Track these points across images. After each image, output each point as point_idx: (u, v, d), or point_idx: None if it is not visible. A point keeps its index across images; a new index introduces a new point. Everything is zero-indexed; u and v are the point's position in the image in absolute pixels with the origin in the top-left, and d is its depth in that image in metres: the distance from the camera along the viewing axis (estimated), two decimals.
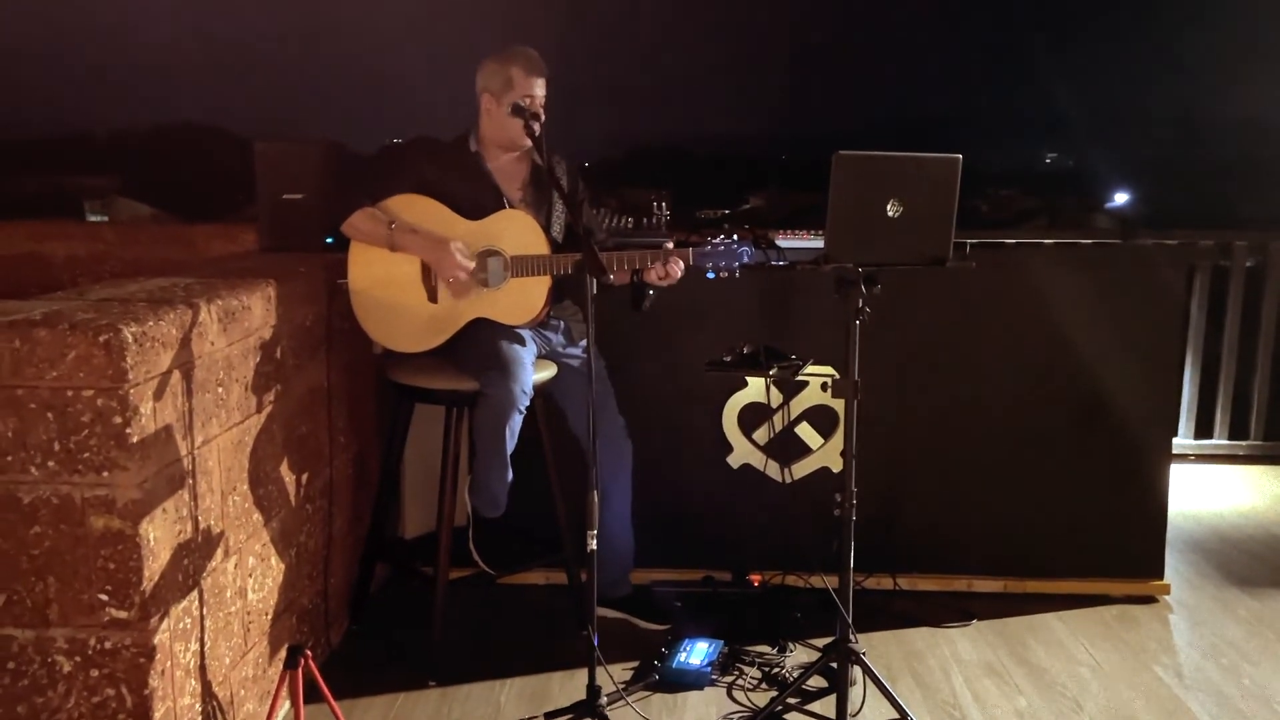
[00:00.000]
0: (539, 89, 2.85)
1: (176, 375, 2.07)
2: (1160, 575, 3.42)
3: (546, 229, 2.89)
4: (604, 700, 2.59)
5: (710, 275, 2.81)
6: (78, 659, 1.97)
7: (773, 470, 3.36)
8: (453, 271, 2.77)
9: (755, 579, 3.36)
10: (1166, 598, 3.41)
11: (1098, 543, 3.39)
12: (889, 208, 2.52)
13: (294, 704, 2.25)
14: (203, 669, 2.21)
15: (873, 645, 3.02)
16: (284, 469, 2.63)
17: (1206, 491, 4.50)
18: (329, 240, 3.10)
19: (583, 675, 2.58)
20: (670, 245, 2.80)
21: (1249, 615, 3.32)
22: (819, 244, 2.91)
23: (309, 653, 2.24)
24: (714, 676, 2.86)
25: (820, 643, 2.94)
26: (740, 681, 2.86)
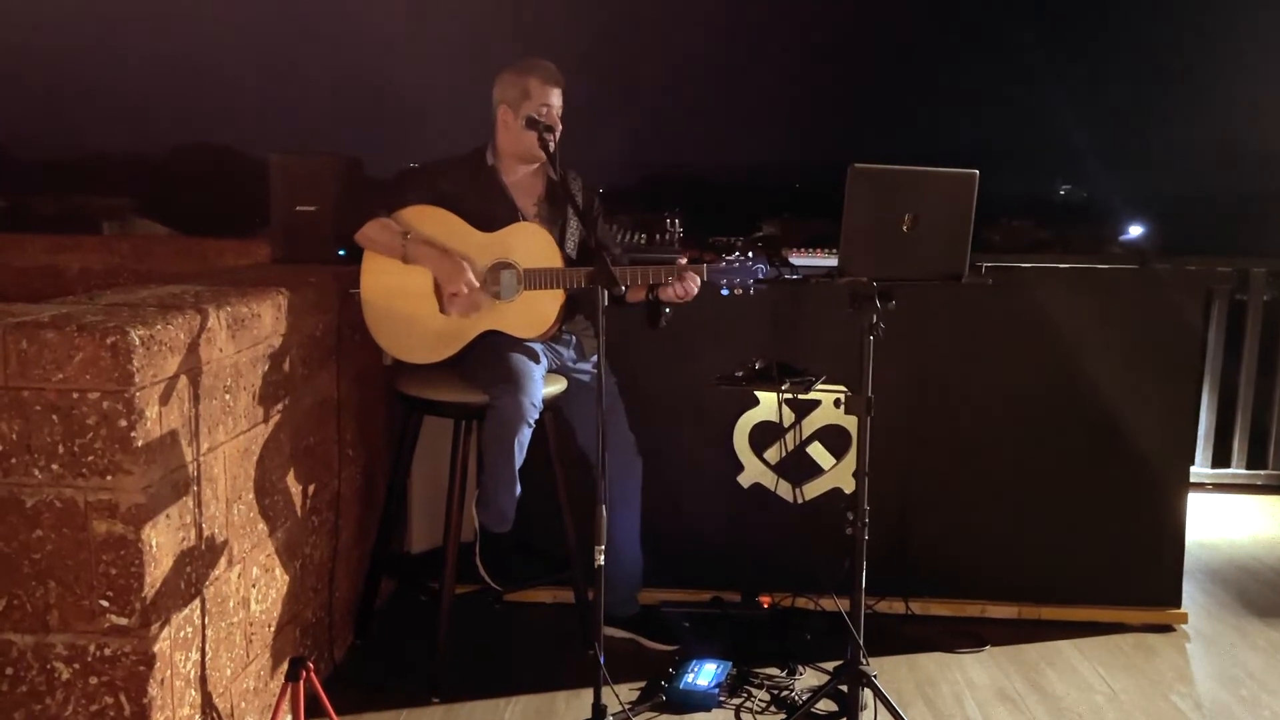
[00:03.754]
0: (555, 99, 2.85)
1: (183, 380, 2.05)
2: (1178, 604, 3.36)
3: (560, 243, 2.88)
4: None
5: (725, 292, 2.80)
6: (77, 666, 1.95)
7: (784, 490, 3.33)
8: (457, 285, 2.75)
9: (765, 600, 3.32)
10: (1184, 626, 3.35)
11: (1114, 570, 3.34)
12: (904, 222, 2.49)
13: (295, 718, 2.21)
14: (203, 679, 2.18)
15: (884, 669, 2.96)
16: (290, 479, 2.61)
17: (1224, 520, 4.43)
18: (342, 252, 3.10)
19: (588, 695, 2.54)
20: (685, 261, 2.79)
21: (1268, 645, 3.26)
22: (833, 263, 2.89)
23: (311, 665, 2.20)
24: (721, 698, 2.82)
25: (830, 666, 2.89)
26: (748, 704, 2.81)
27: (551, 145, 2.73)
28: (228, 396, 2.26)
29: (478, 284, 2.79)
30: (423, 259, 2.79)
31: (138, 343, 1.88)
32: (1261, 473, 4.89)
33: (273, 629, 2.55)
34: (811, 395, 3.22)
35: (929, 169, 2.54)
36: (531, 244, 2.83)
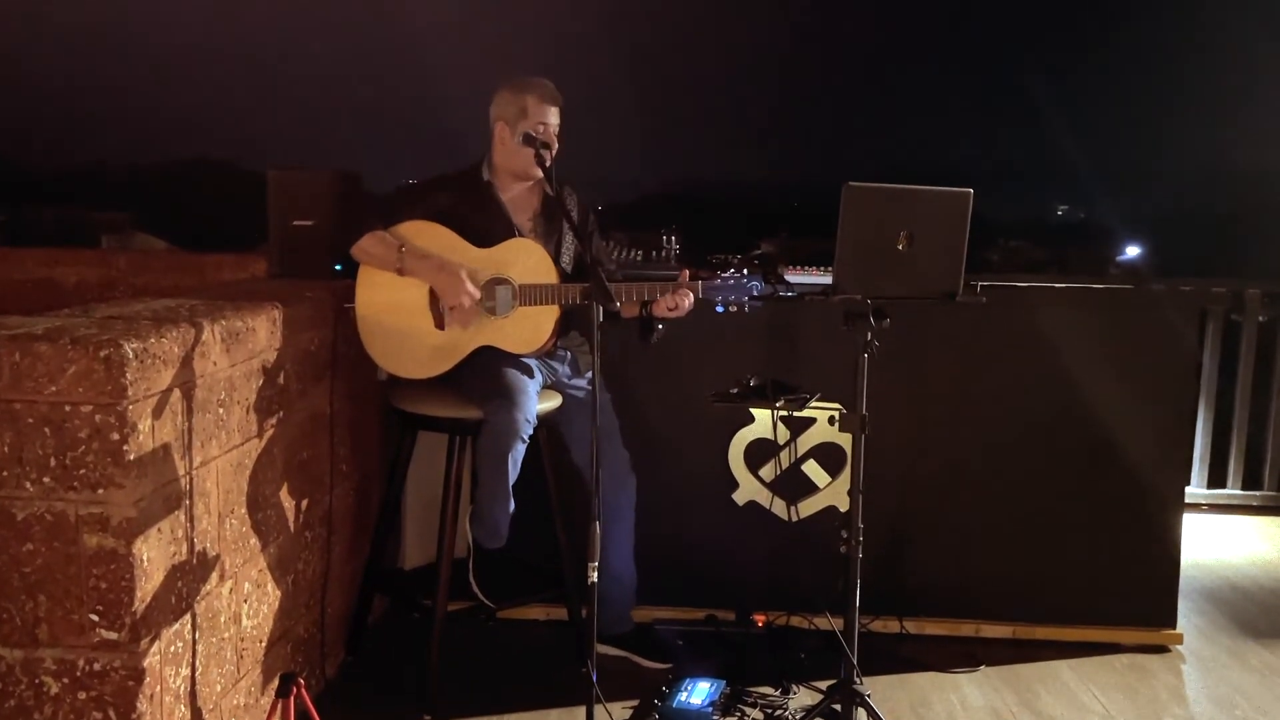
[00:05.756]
0: (552, 118, 2.87)
1: (177, 394, 2.05)
2: (1173, 624, 3.35)
3: (556, 259, 2.89)
4: None
5: (720, 309, 2.79)
6: (66, 680, 1.94)
7: (779, 508, 3.32)
8: (457, 297, 2.76)
9: (759, 619, 3.31)
10: (1179, 647, 3.34)
11: (1109, 590, 3.33)
12: (899, 241, 2.50)
13: None
14: (193, 695, 2.17)
15: (878, 689, 2.95)
16: (283, 494, 2.61)
17: (1219, 541, 4.43)
18: (338, 267, 3.10)
19: (581, 713, 2.52)
20: (685, 275, 2.79)
21: (1262, 666, 3.25)
22: (829, 281, 2.90)
23: (301, 681, 2.19)
24: (715, 717, 2.80)
25: (825, 685, 2.88)
26: None
27: (547, 161, 2.74)
28: (221, 410, 2.26)
29: (477, 293, 2.78)
30: (420, 272, 2.79)
31: (131, 356, 1.88)
32: (1257, 493, 4.89)
33: (264, 645, 2.53)
34: (806, 413, 3.21)
35: (924, 187, 2.55)
36: (527, 259, 2.83)
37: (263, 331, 2.45)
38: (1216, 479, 4.89)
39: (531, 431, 2.74)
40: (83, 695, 1.94)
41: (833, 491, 3.31)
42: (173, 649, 2.07)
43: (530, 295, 2.80)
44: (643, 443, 3.12)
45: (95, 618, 1.92)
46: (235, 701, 2.38)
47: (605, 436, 2.83)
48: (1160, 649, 3.33)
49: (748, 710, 2.85)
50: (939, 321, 3.22)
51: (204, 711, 2.21)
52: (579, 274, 2.93)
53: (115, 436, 1.88)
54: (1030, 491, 3.32)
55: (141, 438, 1.93)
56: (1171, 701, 3.01)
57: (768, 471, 3.32)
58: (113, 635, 1.93)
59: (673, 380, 3.26)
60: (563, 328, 2.92)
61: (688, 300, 2.78)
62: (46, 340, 1.86)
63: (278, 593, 2.60)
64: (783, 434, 3.27)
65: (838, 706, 2.64)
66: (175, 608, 2.08)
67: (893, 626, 3.33)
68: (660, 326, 2.80)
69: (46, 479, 1.88)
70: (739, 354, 3.22)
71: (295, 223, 3.18)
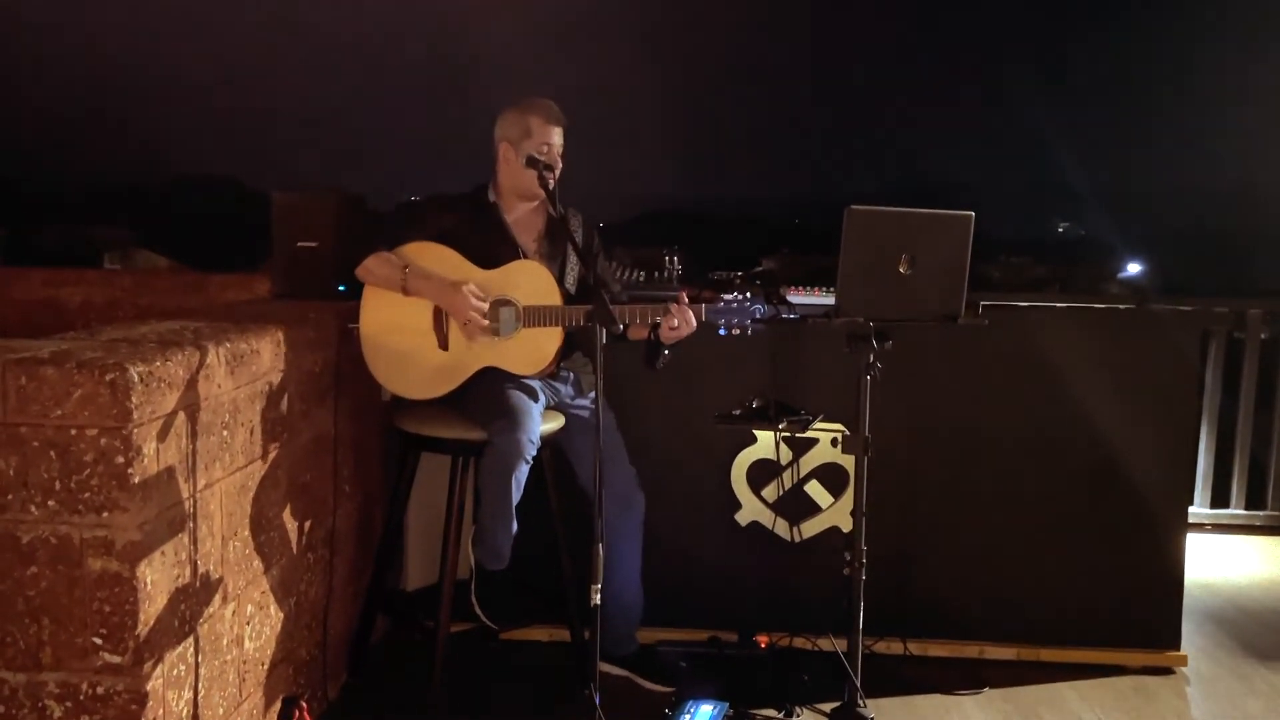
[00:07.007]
0: (556, 138, 2.88)
1: (181, 417, 2.05)
2: (1177, 646, 3.34)
3: (560, 280, 2.90)
4: None
5: (722, 332, 2.80)
6: (69, 704, 1.93)
7: (781, 529, 3.32)
8: (466, 313, 2.76)
9: (762, 640, 3.30)
10: (1183, 669, 3.33)
11: (1113, 611, 3.32)
12: (901, 264, 2.51)
13: None
14: (195, 718, 2.16)
15: (882, 711, 2.94)
16: (286, 516, 2.61)
17: (1223, 561, 4.42)
18: (342, 288, 3.11)
19: None
20: (684, 298, 2.80)
21: (1268, 689, 3.23)
22: (831, 301, 2.92)
23: (304, 704, 2.19)
24: None
25: (828, 707, 2.87)
26: None
27: (551, 183, 2.75)
28: (225, 433, 2.26)
29: (485, 306, 2.79)
30: (424, 291, 2.80)
31: (136, 380, 1.89)
32: (1260, 513, 4.87)
33: (266, 667, 2.53)
34: (809, 434, 3.22)
35: (925, 211, 2.56)
36: (531, 281, 2.84)
37: (267, 353, 2.45)
38: (1220, 498, 4.88)
39: (535, 452, 2.75)
40: (85, 719, 1.94)
41: (835, 512, 3.31)
42: (175, 672, 2.07)
43: (534, 317, 2.81)
44: (645, 463, 3.11)
45: (99, 641, 1.92)
46: None
47: (609, 457, 2.83)
48: (1164, 670, 3.31)
49: None
50: (941, 342, 3.23)
51: None
52: (583, 294, 2.94)
53: (120, 460, 1.88)
54: (1033, 512, 3.31)
55: (146, 461, 1.93)
56: None
57: (770, 492, 3.32)
58: (116, 659, 1.92)
59: (675, 401, 3.27)
60: (566, 349, 2.93)
61: (689, 324, 2.77)
62: (53, 364, 1.87)
63: (280, 614, 2.60)
64: (785, 455, 3.27)
65: None
66: (178, 631, 2.08)
67: (896, 648, 3.32)
68: (666, 352, 2.80)
69: (51, 502, 1.89)
70: (742, 375, 3.22)
71: (299, 244, 3.19)
